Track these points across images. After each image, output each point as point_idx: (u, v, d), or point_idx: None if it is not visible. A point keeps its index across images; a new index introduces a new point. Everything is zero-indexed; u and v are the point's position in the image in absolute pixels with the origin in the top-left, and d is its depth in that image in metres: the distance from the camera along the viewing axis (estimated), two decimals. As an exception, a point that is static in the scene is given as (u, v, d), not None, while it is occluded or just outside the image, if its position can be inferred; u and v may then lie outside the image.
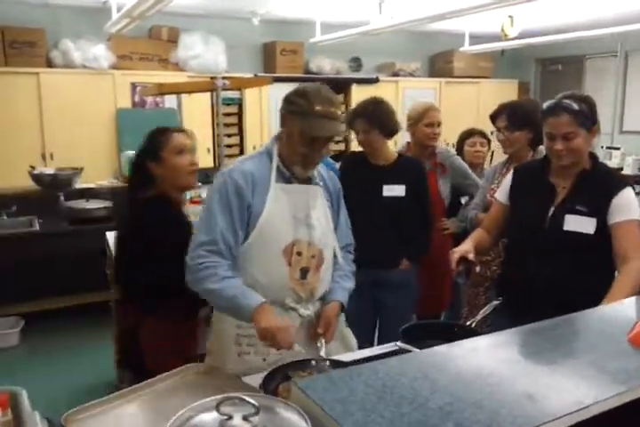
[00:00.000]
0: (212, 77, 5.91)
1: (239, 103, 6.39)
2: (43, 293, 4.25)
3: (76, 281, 4.11)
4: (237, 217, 1.81)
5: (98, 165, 5.36)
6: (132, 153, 4.95)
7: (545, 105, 2.09)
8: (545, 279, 2.06)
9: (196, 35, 5.96)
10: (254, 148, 6.01)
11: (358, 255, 2.87)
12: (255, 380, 1.64)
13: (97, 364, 3.75)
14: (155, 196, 2.24)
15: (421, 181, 2.98)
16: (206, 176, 3.51)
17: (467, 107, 7.34)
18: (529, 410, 0.89)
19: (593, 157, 2.15)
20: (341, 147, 7.06)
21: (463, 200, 3.39)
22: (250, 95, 6.31)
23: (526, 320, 1.28)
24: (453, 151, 3.58)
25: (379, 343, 3.08)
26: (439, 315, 3.41)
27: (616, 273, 1.99)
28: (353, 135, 3.03)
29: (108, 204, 4.43)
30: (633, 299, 1.47)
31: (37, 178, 4.56)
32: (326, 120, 1.81)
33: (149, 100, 5.85)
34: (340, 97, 6.96)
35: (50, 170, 4.74)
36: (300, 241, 1.89)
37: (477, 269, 2.10)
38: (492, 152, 4.16)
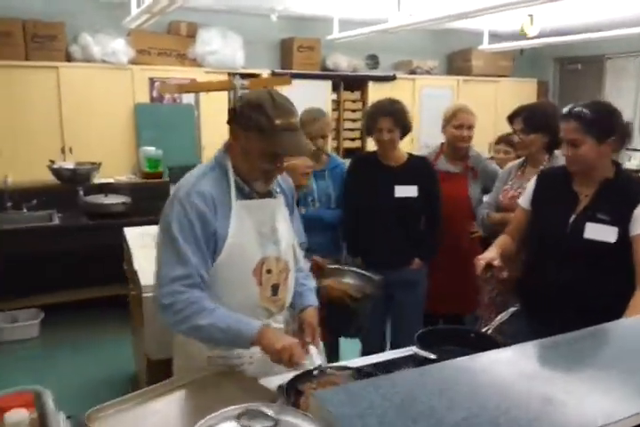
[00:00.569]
0: (229, 73, 5.98)
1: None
2: (62, 285, 4.32)
3: (94, 275, 4.17)
4: (204, 245, 1.67)
5: (116, 160, 5.41)
6: (150, 149, 5.04)
7: (563, 109, 2.10)
8: (564, 285, 2.07)
9: (215, 30, 5.98)
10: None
11: (369, 256, 2.92)
12: (272, 382, 1.67)
13: (115, 356, 3.83)
14: None
15: (433, 181, 2.99)
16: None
17: (485, 106, 7.26)
18: (545, 428, 0.90)
19: (616, 165, 2.14)
20: (357, 144, 7.06)
21: None
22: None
23: (545, 326, 1.28)
24: (486, 155, 3.58)
25: (391, 341, 3.13)
26: (463, 317, 3.43)
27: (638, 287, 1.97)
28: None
29: (126, 199, 4.46)
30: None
31: (57, 172, 4.62)
32: (289, 133, 1.68)
33: (167, 95, 5.89)
34: (357, 94, 6.96)
35: (69, 164, 4.80)
36: (269, 258, 1.79)
37: (504, 274, 2.12)
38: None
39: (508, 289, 2.88)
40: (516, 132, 2.85)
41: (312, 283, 2.05)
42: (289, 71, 6.27)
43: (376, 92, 6.59)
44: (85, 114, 5.51)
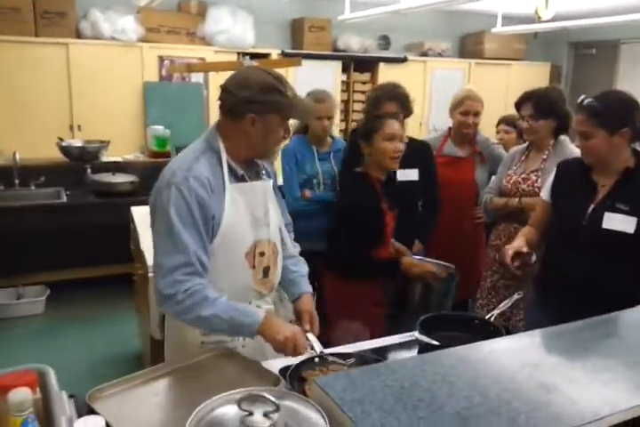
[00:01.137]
0: (238, 53, 5.92)
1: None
2: (68, 263, 4.35)
3: (100, 253, 4.18)
4: (204, 231, 1.65)
5: (124, 139, 5.39)
6: (158, 128, 5.03)
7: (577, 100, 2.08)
8: (582, 275, 2.07)
9: (225, 9, 5.90)
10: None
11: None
12: (273, 365, 1.68)
13: (120, 335, 3.86)
14: (359, 172, 2.59)
15: (432, 164, 3.01)
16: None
17: (496, 89, 7.19)
18: (546, 419, 0.90)
19: (637, 154, 2.12)
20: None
21: None
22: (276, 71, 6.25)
23: (563, 316, 1.28)
24: (493, 140, 3.57)
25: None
26: (467, 301, 3.43)
27: None
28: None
29: (134, 178, 4.46)
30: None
31: (65, 150, 4.63)
32: (301, 100, 1.80)
33: (176, 74, 5.85)
34: (367, 76, 6.89)
35: (78, 142, 4.80)
36: (262, 241, 1.79)
37: (534, 258, 2.16)
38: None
39: (522, 276, 2.88)
40: (523, 117, 2.84)
41: (304, 269, 2.02)
42: (299, 51, 6.20)
43: (386, 74, 6.52)
44: (94, 91, 5.48)
